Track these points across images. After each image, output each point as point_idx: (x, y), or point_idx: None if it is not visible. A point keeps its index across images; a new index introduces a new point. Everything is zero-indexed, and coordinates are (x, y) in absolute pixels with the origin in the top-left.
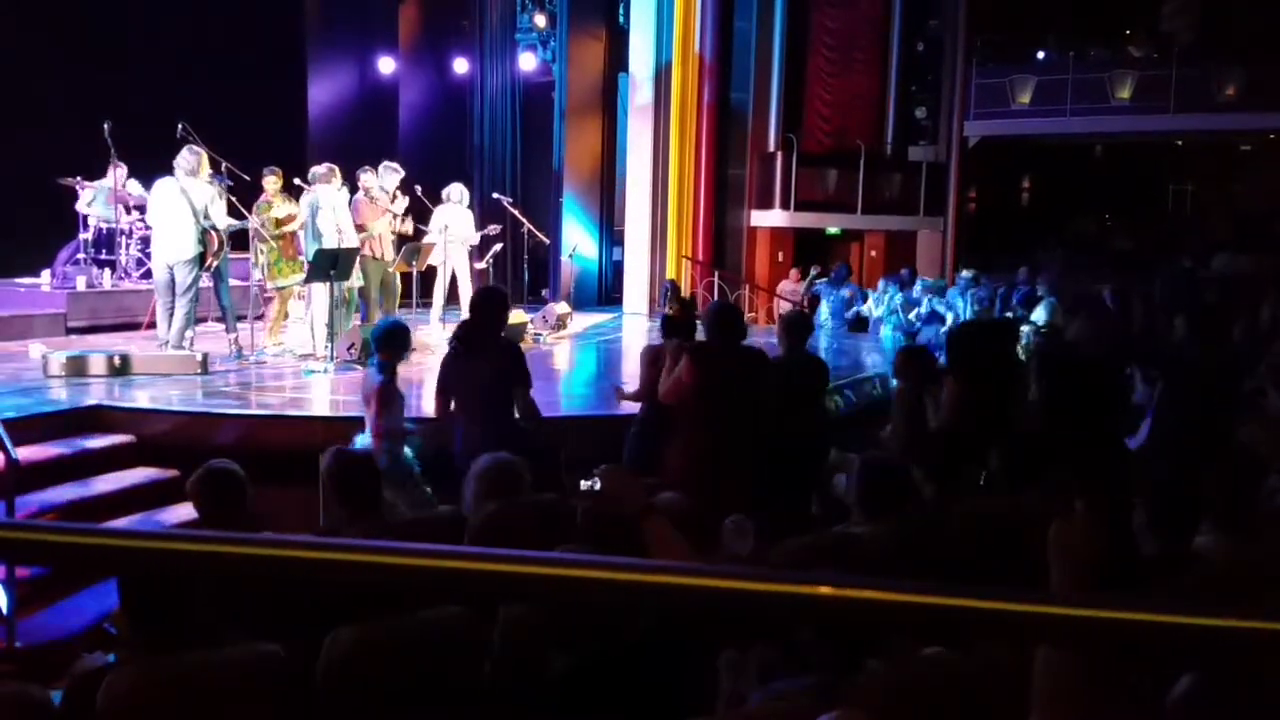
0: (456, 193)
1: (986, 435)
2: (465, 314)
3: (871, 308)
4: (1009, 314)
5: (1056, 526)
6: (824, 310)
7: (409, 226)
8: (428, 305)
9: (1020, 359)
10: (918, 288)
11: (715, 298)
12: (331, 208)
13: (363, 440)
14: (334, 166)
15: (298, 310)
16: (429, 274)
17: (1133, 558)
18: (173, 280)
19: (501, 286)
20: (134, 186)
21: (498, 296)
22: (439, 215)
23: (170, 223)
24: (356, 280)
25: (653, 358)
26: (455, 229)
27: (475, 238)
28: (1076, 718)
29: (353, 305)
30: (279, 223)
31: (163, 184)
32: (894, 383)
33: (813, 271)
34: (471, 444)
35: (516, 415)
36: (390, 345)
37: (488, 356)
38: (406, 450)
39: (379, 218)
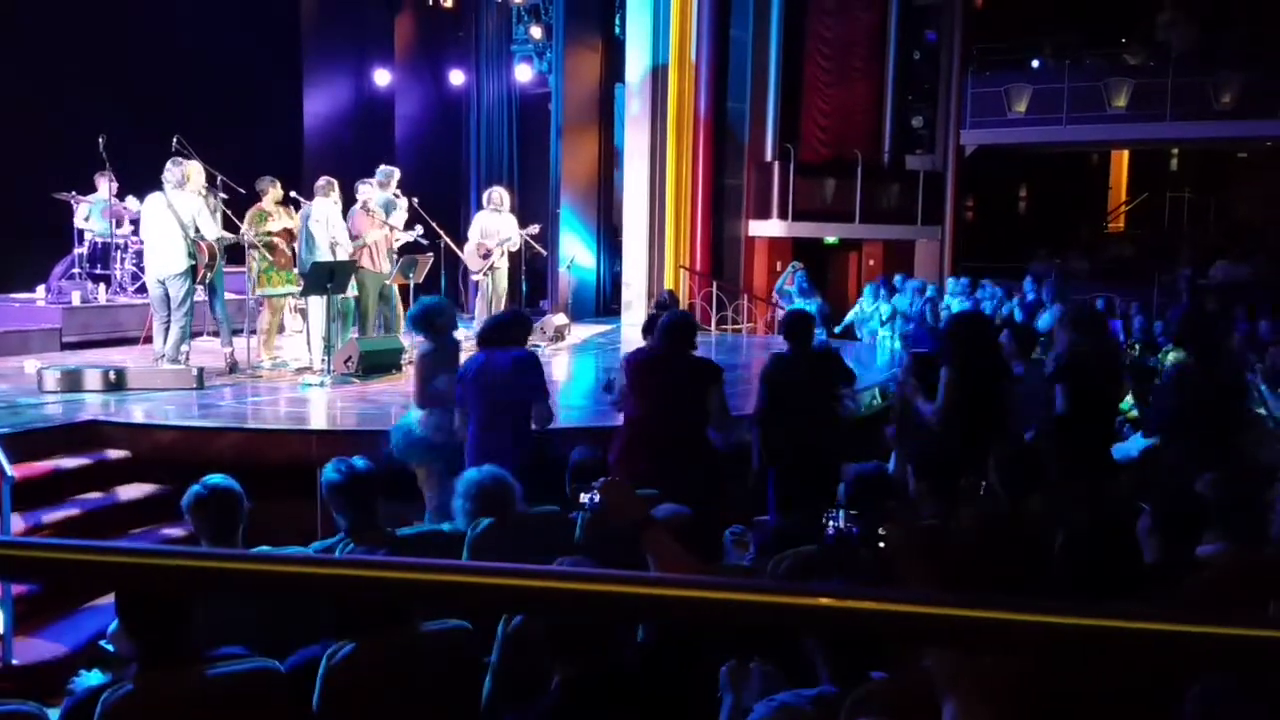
0: (498, 197)
1: (983, 442)
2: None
3: (861, 309)
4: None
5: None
6: None
7: (411, 235)
8: None
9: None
10: (909, 290)
11: (714, 308)
12: (326, 220)
13: (412, 416)
14: (332, 180)
15: (294, 324)
16: (430, 284)
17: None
18: (167, 295)
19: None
20: (132, 202)
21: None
22: (492, 223)
23: (160, 237)
24: (351, 291)
25: None
26: (508, 235)
27: (518, 241)
28: (994, 708)
29: (350, 319)
30: (271, 233)
31: (152, 199)
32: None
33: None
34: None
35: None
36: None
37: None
38: None
39: (376, 229)
